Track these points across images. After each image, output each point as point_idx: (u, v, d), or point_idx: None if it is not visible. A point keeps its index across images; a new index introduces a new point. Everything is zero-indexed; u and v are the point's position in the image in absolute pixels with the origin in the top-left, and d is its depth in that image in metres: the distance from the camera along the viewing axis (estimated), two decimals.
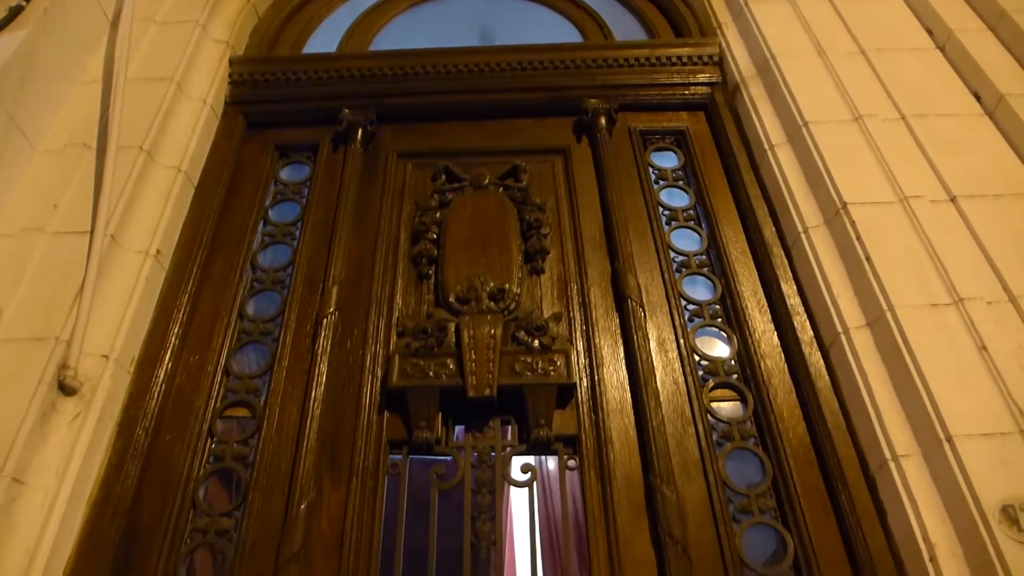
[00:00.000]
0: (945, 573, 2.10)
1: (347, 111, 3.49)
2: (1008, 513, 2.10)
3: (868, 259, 2.67)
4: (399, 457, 2.52)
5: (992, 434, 2.24)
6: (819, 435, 2.50)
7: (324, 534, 2.34)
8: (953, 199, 2.87)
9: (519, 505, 4.46)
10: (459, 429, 2.60)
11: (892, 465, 2.31)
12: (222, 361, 2.81)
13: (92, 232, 2.78)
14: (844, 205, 2.83)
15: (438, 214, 3.17)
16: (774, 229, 3.07)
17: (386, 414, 2.59)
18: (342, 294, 2.92)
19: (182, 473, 2.50)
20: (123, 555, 2.33)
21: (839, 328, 2.62)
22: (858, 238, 2.74)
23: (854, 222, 2.78)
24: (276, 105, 3.67)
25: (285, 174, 3.53)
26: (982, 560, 2.06)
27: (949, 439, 2.22)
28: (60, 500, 2.29)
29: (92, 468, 2.44)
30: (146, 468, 2.51)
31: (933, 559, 2.13)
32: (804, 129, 3.12)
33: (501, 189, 3.27)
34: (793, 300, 2.84)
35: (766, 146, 3.22)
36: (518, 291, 2.86)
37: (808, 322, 2.78)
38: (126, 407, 2.61)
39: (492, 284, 2.83)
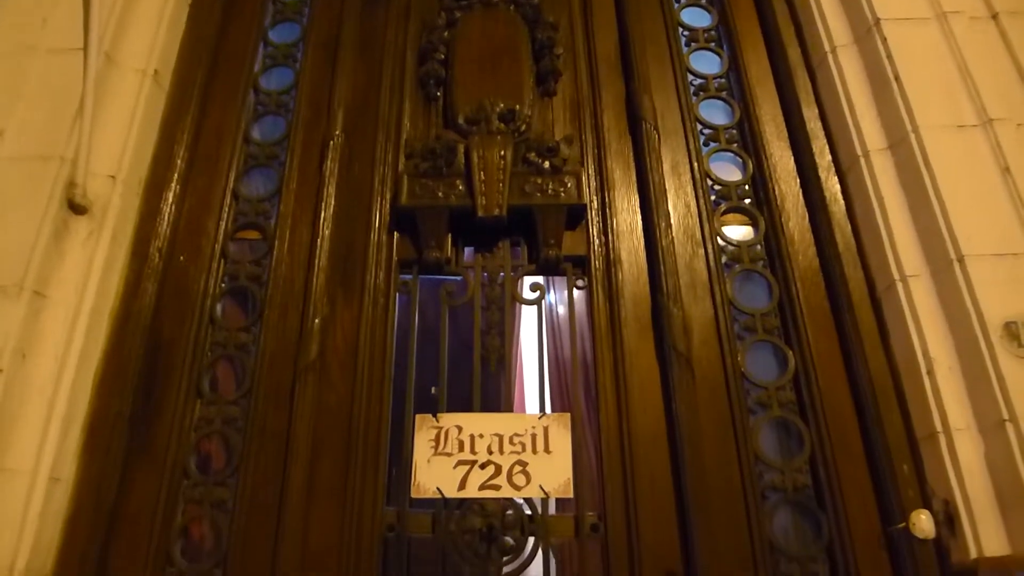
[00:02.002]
0: (941, 386, 2.17)
1: None
2: (1010, 329, 2.13)
3: (897, 78, 2.54)
4: (409, 277, 2.56)
5: (1004, 254, 2.23)
6: (829, 258, 2.50)
7: (339, 348, 2.42)
8: (995, 16, 2.68)
9: (527, 325, 4.61)
10: (468, 251, 2.61)
11: (899, 286, 2.32)
12: (230, 185, 2.79)
13: (86, 49, 2.67)
14: (877, 21, 2.66)
15: (446, 33, 3.01)
16: (799, 51, 2.91)
17: (396, 235, 2.60)
18: (348, 117, 2.85)
19: (198, 291, 2.55)
20: (148, 367, 2.43)
21: (859, 151, 2.55)
22: (888, 56, 2.60)
23: (885, 39, 2.62)
24: None
25: None
26: (979, 373, 2.12)
27: (960, 259, 2.22)
28: (83, 314, 2.36)
29: (111, 285, 2.49)
30: (163, 287, 2.56)
31: (931, 372, 2.19)
32: None
33: (512, 6, 3.08)
34: (813, 124, 2.75)
35: None
36: (529, 113, 2.77)
37: (827, 146, 2.70)
38: (138, 228, 2.63)
39: (502, 105, 2.74)
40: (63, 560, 2.12)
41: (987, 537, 2.00)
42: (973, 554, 1.98)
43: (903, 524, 2.09)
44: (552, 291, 3.68)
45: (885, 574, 2.11)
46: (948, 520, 2.07)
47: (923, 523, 2.07)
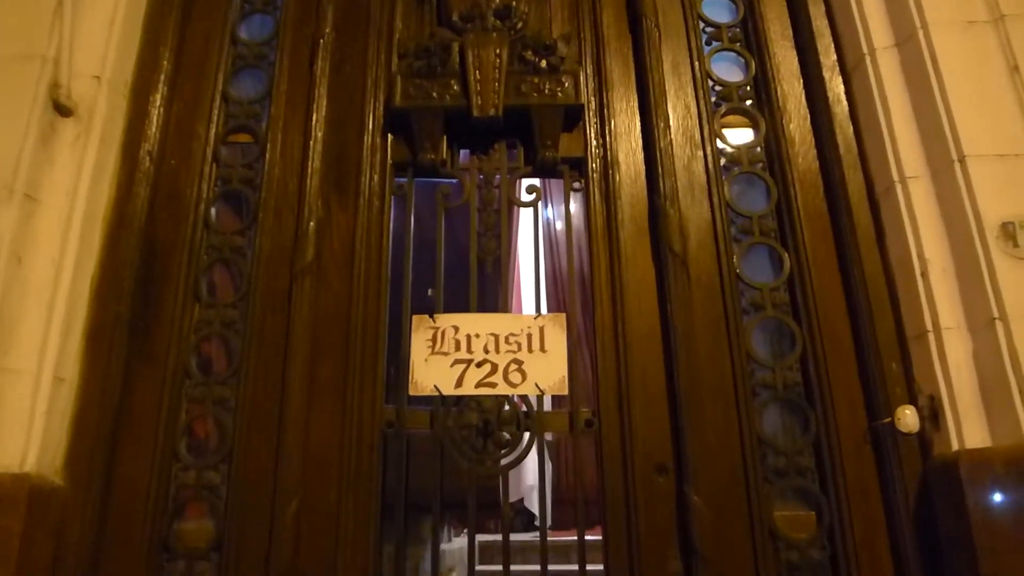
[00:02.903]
0: (934, 287, 2.18)
1: None
2: (1006, 229, 2.12)
3: None
4: (404, 180, 2.53)
5: (1006, 155, 2.21)
6: (829, 161, 2.47)
7: (335, 250, 2.42)
8: None
9: (524, 228, 4.62)
10: (464, 153, 2.58)
11: (899, 187, 2.30)
12: (219, 87, 2.71)
13: None
14: None
15: None
16: None
17: (390, 137, 2.56)
18: (338, 15, 2.74)
19: (191, 195, 2.53)
20: (145, 272, 2.43)
21: (865, 49, 2.48)
22: None
23: None
24: None
25: None
26: (972, 273, 2.13)
27: (961, 159, 2.19)
28: (75, 218, 2.33)
29: (102, 189, 2.46)
30: (156, 191, 2.53)
31: (924, 274, 2.20)
32: None
33: None
34: (820, 22, 2.66)
35: None
36: (525, 9, 2.67)
37: (833, 45, 2.62)
38: (127, 131, 2.57)
39: (497, 1, 2.64)
40: (72, 456, 2.18)
41: (969, 431, 2.06)
42: (955, 447, 2.04)
43: (888, 419, 2.15)
44: (550, 200, 3.65)
45: (868, 466, 2.18)
46: (932, 415, 2.13)
47: (908, 418, 2.13)
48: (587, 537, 2.21)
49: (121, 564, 2.12)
